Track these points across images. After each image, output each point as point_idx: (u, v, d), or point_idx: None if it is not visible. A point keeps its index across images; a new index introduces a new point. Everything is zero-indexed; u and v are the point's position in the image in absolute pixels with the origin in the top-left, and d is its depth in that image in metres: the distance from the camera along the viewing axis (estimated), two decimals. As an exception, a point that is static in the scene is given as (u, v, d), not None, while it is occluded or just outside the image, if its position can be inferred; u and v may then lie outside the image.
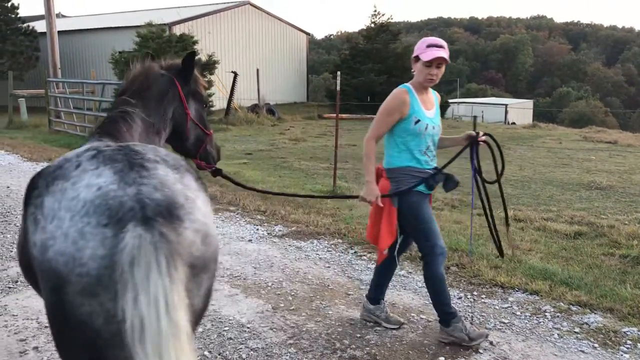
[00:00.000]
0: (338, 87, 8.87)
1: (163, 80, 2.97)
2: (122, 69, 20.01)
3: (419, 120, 3.71)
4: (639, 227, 6.88)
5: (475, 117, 3.95)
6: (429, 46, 3.65)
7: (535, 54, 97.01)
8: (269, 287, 4.98)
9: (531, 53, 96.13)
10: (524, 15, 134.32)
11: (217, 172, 3.46)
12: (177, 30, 25.96)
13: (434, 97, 3.92)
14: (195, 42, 21.51)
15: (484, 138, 4.01)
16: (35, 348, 3.82)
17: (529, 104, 51.42)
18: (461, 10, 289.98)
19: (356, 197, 3.89)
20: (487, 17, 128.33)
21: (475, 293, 4.84)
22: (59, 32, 21.52)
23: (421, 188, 3.82)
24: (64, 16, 45.31)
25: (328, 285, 5.03)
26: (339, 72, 8.97)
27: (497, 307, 4.57)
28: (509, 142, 18.09)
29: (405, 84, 3.82)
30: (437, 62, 3.66)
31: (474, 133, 4.01)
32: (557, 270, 5.19)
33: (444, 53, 3.64)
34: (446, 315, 3.89)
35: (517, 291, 4.85)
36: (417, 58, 3.72)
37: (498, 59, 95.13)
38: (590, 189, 9.73)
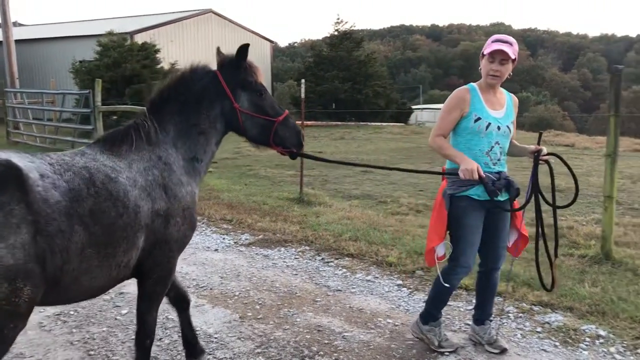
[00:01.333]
0: (303, 95, 8.92)
1: (202, 80, 3.04)
2: (82, 78, 19.72)
3: (479, 118, 3.57)
4: (596, 227, 7.10)
5: (540, 132, 3.77)
6: (494, 41, 3.55)
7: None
8: (236, 297, 4.96)
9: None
10: (483, 23, 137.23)
11: (294, 155, 3.31)
12: (139, 38, 25.71)
13: (506, 98, 3.74)
14: (157, 51, 21.32)
15: (545, 158, 3.65)
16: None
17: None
18: (423, 17, 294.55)
19: (456, 174, 3.58)
20: (448, 24, 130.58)
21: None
22: (16, 41, 21.08)
23: (473, 192, 3.61)
24: (20, 25, 44.33)
25: (296, 293, 5.04)
26: (303, 80, 9.02)
27: (462, 310, 4.66)
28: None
29: (472, 83, 3.74)
30: (499, 57, 3.51)
31: (538, 148, 3.66)
32: (519, 272, 5.31)
33: (508, 48, 3.48)
34: (430, 315, 3.95)
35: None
36: (483, 54, 3.61)
37: (459, 66, 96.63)
38: (549, 192, 9.95)
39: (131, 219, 2.64)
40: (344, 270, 5.62)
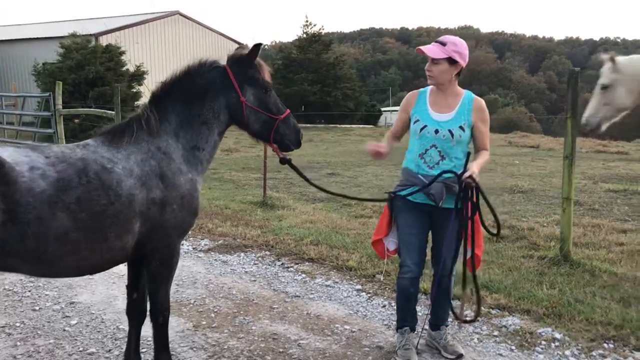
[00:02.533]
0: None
1: (210, 73, 3.22)
2: (44, 81, 19.25)
3: (417, 120, 3.59)
4: (556, 228, 7.14)
5: (468, 153, 3.56)
6: (435, 42, 3.56)
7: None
8: (190, 305, 4.83)
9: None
10: (452, 26, 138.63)
11: (284, 161, 3.50)
12: (105, 40, 25.25)
13: (461, 102, 3.58)
14: (122, 53, 20.95)
15: (467, 181, 3.42)
16: None
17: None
18: (392, 21, 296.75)
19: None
20: (418, 27, 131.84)
21: (393, 304, 4.85)
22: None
23: (407, 193, 3.59)
24: (-18, 26, 43.16)
25: (253, 300, 4.94)
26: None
27: (419, 314, 4.60)
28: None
29: (425, 87, 3.75)
30: (429, 57, 3.51)
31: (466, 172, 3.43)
32: (478, 274, 5.28)
33: (434, 48, 3.48)
34: (398, 319, 3.91)
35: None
36: None
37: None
38: (513, 193, 10.05)
39: (124, 206, 2.87)
40: (304, 275, 5.54)
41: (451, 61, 3.49)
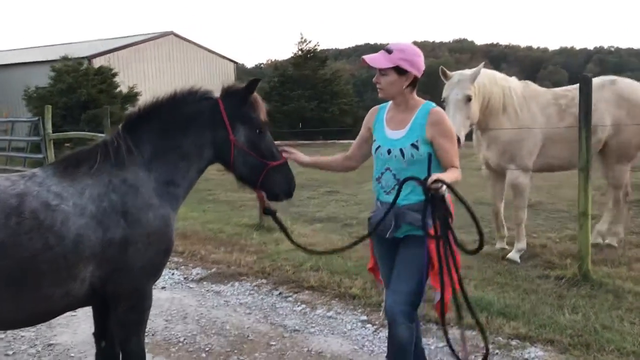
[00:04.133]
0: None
1: (199, 103, 2.92)
2: (36, 105, 18.93)
3: (374, 140, 3.19)
4: (570, 244, 6.74)
5: (430, 154, 3.18)
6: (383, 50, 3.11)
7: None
8: (180, 343, 4.41)
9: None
10: (446, 39, 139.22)
11: (269, 212, 3.17)
12: (98, 63, 24.99)
13: (415, 116, 3.06)
14: (114, 75, 20.66)
15: (434, 187, 2.79)
16: None
17: (456, 123, 52.69)
18: (387, 36, 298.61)
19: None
20: (412, 41, 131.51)
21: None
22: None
23: (374, 221, 3.14)
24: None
25: (248, 336, 4.51)
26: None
27: (432, 347, 4.18)
28: (439, 163, 18.16)
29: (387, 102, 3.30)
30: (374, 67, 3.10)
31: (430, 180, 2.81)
32: (493, 299, 4.87)
33: (375, 57, 3.07)
34: None
35: (452, 327, 4.48)
36: None
37: (425, 82, 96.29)
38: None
39: (67, 249, 2.53)
40: (303, 305, 5.11)
41: (400, 71, 3.02)
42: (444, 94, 5.81)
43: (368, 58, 3.09)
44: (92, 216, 2.62)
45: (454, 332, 4.36)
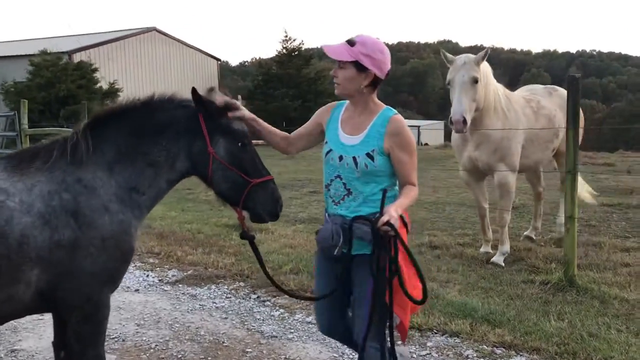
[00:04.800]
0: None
1: (176, 110, 2.72)
2: (13, 99, 18.50)
3: (326, 142, 2.90)
4: (554, 247, 6.65)
5: (384, 190, 2.57)
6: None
7: (444, 77, 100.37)
8: (152, 350, 4.20)
9: (440, 76, 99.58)
10: (431, 40, 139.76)
11: (246, 237, 2.87)
12: (78, 58, 24.53)
13: (374, 121, 2.77)
14: (94, 70, 20.30)
15: (383, 228, 2.58)
16: None
17: (440, 124, 52.87)
18: (372, 36, 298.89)
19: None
20: (397, 42, 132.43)
21: (389, 339, 4.26)
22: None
23: (320, 237, 2.85)
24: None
25: (223, 342, 4.32)
26: (239, 96, 8.35)
27: (414, 355, 4.02)
28: (422, 163, 18.06)
29: (344, 100, 2.97)
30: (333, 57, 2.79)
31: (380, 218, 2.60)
32: (477, 305, 4.73)
33: (335, 47, 2.77)
34: None
35: (435, 334, 4.34)
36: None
37: (409, 83, 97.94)
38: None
39: (10, 250, 2.34)
40: (282, 310, 4.93)
41: (359, 67, 2.71)
42: (449, 77, 5.69)
43: (327, 48, 2.80)
44: (38, 215, 2.43)
45: (437, 340, 4.23)
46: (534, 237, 7.15)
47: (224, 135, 2.73)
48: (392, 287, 2.66)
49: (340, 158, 2.77)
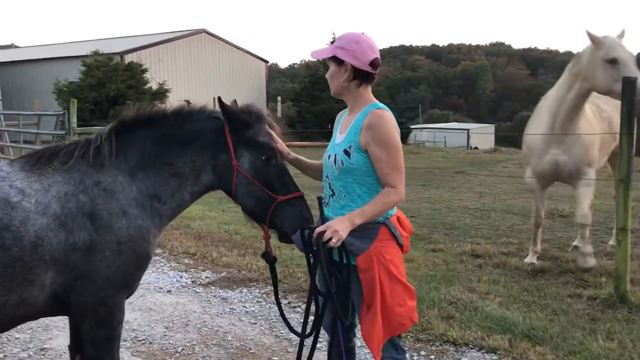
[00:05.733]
0: (279, 114, 8.16)
1: (205, 122, 2.67)
2: (65, 99, 19.07)
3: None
4: (606, 259, 6.27)
5: (319, 198, 2.57)
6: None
7: (496, 80, 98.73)
8: (177, 354, 4.13)
9: (491, 79, 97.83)
10: (483, 42, 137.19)
11: (266, 259, 2.80)
12: (129, 59, 25.11)
13: (357, 117, 2.64)
14: (144, 70, 20.69)
15: (316, 239, 2.47)
16: None
17: (490, 128, 51.81)
18: (423, 38, 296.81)
19: None
20: (448, 44, 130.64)
21: (423, 353, 4.06)
22: (5, 63, 20.46)
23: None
24: (16, 47, 44.06)
25: (250, 349, 4.20)
26: (279, 98, 8.28)
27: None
28: (469, 168, 17.68)
29: None
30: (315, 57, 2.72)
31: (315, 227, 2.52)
32: (517, 319, 4.47)
33: (318, 49, 2.70)
34: None
35: (471, 349, 4.10)
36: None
37: (459, 85, 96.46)
38: (553, 217, 9.13)
39: (24, 252, 2.30)
40: (312, 318, 4.77)
41: (337, 61, 2.59)
42: (613, 54, 5.21)
43: (313, 52, 2.71)
44: (54, 216, 2.38)
45: (472, 356, 4.00)
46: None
47: (248, 148, 2.64)
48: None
49: (329, 157, 2.70)
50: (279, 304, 2.94)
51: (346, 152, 2.59)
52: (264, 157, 2.63)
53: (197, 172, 2.66)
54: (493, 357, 3.95)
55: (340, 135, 2.72)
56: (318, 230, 2.45)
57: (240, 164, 2.62)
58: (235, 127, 2.64)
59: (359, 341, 3.09)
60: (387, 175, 2.55)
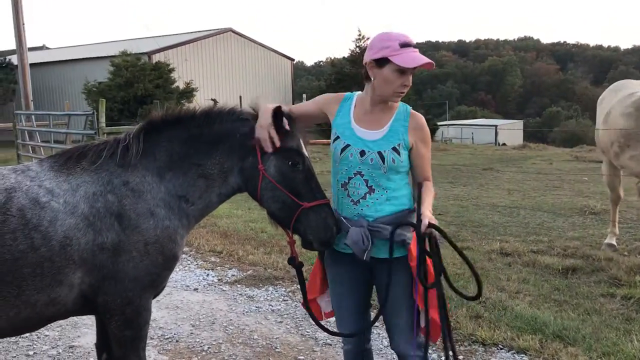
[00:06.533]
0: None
1: (233, 123, 2.65)
2: (95, 99, 19.37)
3: (337, 137, 2.70)
4: (640, 258, 6.10)
5: (419, 183, 2.55)
6: (403, 46, 2.53)
7: (524, 75, 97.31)
8: (204, 352, 4.14)
9: (519, 74, 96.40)
10: (511, 37, 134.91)
11: (292, 264, 2.80)
12: (157, 59, 25.39)
13: (394, 116, 2.67)
14: (171, 70, 20.89)
15: (428, 231, 2.49)
16: None
17: (519, 124, 51.07)
18: (449, 33, 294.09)
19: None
20: (475, 39, 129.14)
21: (450, 353, 3.98)
22: (36, 64, 20.87)
23: (338, 241, 2.67)
24: (47, 48, 44.88)
25: (275, 348, 4.19)
26: (304, 95, 8.25)
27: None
28: (498, 164, 17.43)
29: (353, 92, 2.82)
30: (412, 69, 2.56)
31: (424, 219, 2.51)
32: (548, 319, 4.37)
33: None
34: None
35: (501, 349, 4.03)
36: (384, 61, 2.54)
37: (487, 81, 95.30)
38: (584, 215, 8.94)
39: (53, 252, 2.32)
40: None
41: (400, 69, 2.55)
42: None
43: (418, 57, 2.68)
44: (82, 216, 2.39)
45: (502, 356, 3.91)
46: (616, 245, 6.58)
47: (275, 152, 2.59)
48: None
49: (362, 153, 2.62)
50: (308, 308, 2.87)
51: (395, 150, 2.60)
52: (290, 163, 2.60)
53: (225, 174, 2.65)
54: (523, 358, 3.87)
55: (368, 130, 2.65)
56: (426, 223, 2.46)
57: (266, 168, 2.59)
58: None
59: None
60: (428, 170, 2.71)
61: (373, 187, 2.62)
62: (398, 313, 2.67)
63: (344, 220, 2.65)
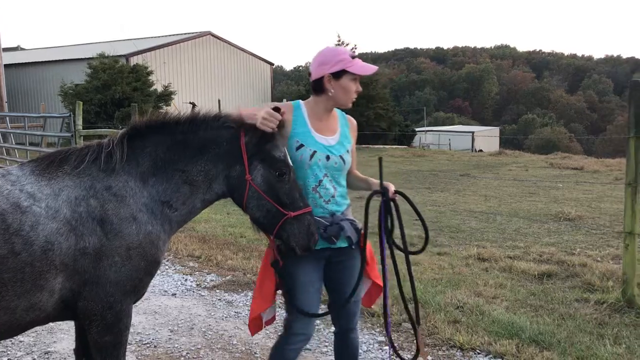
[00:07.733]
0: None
1: (219, 130, 2.63)
2: (71, 101, 19.13)
3: (302, 145, 2.79)
4: (612, 264, 6.23)
5: (380, 158, 2.86)
6: (353, 57, 2.81)
7: (500, 82, 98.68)
8: (182, 358, 4.11)
9: (496, 81, 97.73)
10: (488, 45, 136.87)
11: (275, 267, 2.76)
12: (135, 61, 25.18)
13: (339, 121, 2.97)
14: (149, 73, 20.72)
15: (393, 197, 2.88)
16: None
17: (495, 131, 51.72)
18: (427, 40, 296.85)
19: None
20: (453, 47, 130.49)
21: (429, 358, 4.03)
22: (11, 65, 20.54)
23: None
24: (22, 49, 44.21)
25: (255, 353, 4.19)
26: (284, 100, 8.26)
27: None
28: (474, 171, 17.63)
29: (298, 100, 2.97)
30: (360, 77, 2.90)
31: (386, 187, 2.89)
32: (525, 324, 4.43)
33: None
34: None
35: (478, 354, 4.08)
36: (341, 72, 2.77)
37: (464, 88, 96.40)
38: (559, 221, 9.10)
39: (34, 257, 2.30)
40: (318, 322, 4.75)
41: (352, 75, 2.87)
42: None
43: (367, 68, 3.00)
44: (64, 221, 2.37)
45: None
46: None
47: (262, 162, 2.61)
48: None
49: (328, 158, 2.85)
50: (298, 308, 2.87)
51: (348, 152, 2.93)
52: (277, 173, 2.60)
53: (210, 181, 2.64)
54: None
55: (324, 136, 2.87)
56: (392, 189, 2.89)
57: (253, 178, 2.59)
58: (257, 138, 2.60)
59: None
60: (354, 164, 3.08)
61: (335, 187, 2.88)
62: (347, 289, 2.91)
63: (320, 218, 2.77)
